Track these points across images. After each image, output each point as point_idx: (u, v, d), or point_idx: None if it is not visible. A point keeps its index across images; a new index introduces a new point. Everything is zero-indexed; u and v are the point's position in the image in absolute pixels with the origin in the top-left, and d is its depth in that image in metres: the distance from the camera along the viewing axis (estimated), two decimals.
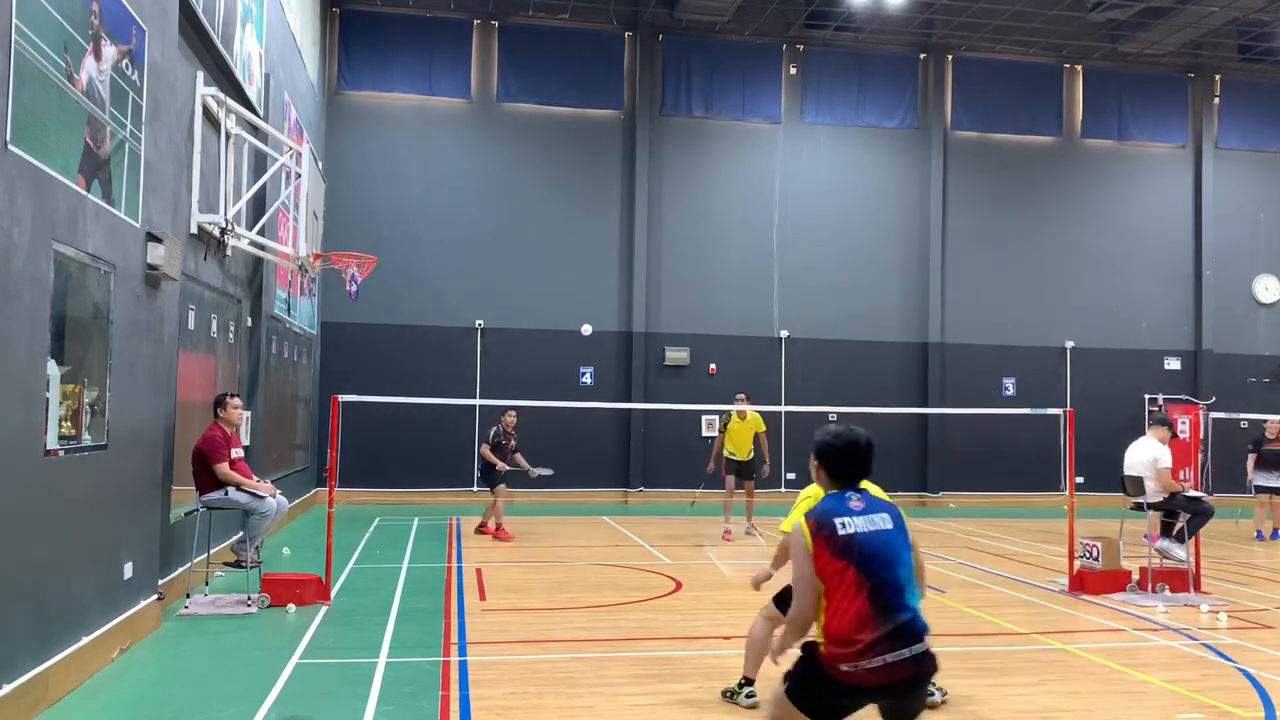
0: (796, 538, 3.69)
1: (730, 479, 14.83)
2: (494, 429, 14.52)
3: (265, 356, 13.68)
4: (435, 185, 20.26)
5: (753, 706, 6.17)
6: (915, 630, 3.61)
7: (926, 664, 3.63)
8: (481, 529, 14.52)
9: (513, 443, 14.52)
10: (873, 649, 3.53)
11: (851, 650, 3.54)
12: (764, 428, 14.83)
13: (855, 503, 3.75)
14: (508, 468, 14.18)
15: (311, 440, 18.74)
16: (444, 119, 20.47)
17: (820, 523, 3.66)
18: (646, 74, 20.86)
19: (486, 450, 14.22)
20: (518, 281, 20.34)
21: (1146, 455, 10.61)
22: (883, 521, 3.70)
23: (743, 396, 15.14)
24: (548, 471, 14.71)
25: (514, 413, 14.68)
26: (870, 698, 3.65)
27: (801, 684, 3.66)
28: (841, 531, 3.62)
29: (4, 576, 5.44)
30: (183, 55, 9.30)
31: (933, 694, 6.33)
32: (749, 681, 6.29)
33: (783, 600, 6.18)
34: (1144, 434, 11.08)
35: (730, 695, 6.36)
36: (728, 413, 15.11)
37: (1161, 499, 10.43)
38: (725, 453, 14.87)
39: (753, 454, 14.83)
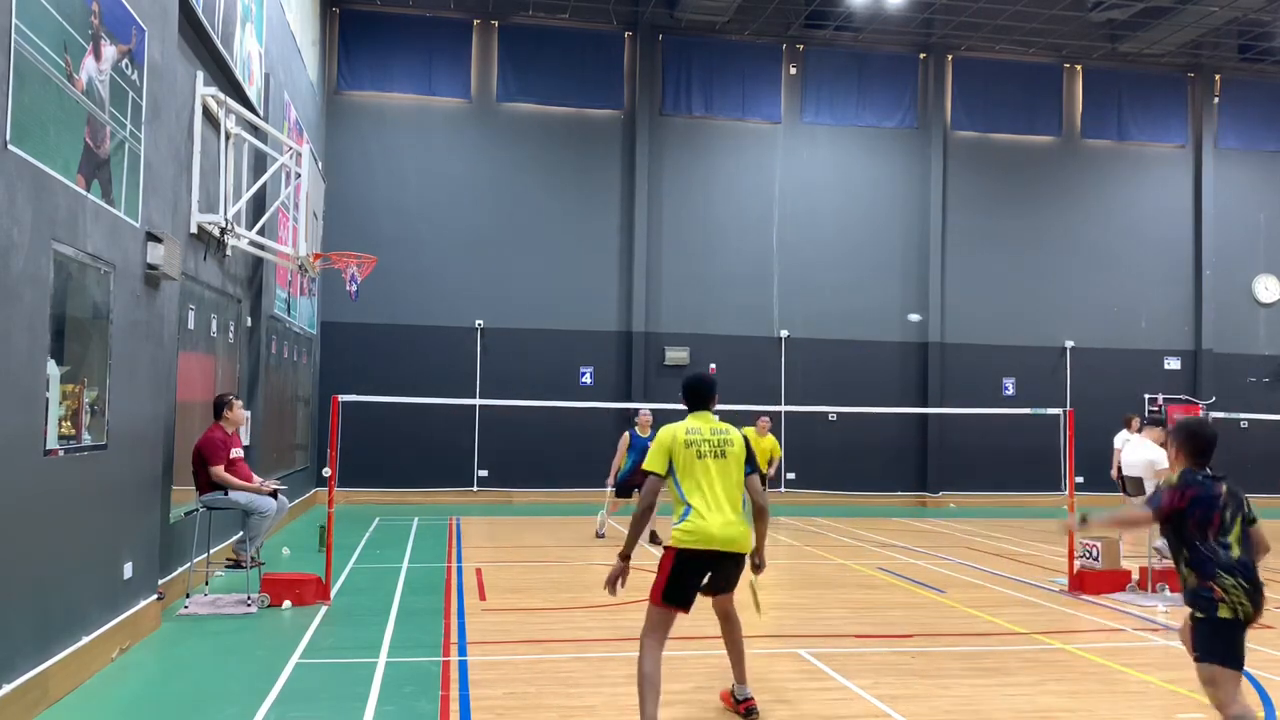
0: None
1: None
2: None
3: (265, 356, 13.68)
4: (435, 185, 20.26)
5: None
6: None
7: None
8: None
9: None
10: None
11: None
12: None
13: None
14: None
15: (311, 440, 18.73)
16: (444, 119, 20.47)
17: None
18: (646, 74, 20.85)
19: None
20: (517, 281, 20.34)
21: (1143, 456, 10.66)
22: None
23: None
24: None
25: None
26: None
27: None
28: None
29: (4, 576, 5.44)
30: (183, 55, 9.30)
31: None
32: None
33: None
34: (1139, 432, 11.12)
35: None
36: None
37: None
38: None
39: None
